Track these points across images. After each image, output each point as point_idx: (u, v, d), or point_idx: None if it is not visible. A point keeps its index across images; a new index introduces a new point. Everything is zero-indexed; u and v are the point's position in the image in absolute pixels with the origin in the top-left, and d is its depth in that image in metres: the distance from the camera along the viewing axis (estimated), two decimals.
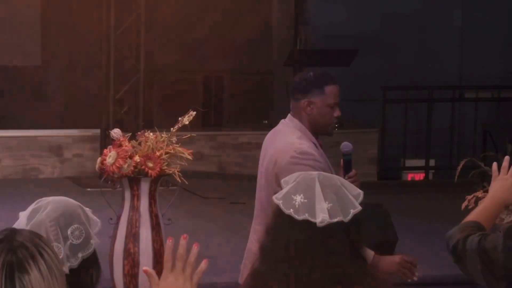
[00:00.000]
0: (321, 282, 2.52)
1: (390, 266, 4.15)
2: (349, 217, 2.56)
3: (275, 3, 11.10)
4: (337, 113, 4.27)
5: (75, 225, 2.54)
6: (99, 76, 9.95)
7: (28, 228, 2.53)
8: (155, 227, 5.47)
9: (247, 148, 10.31)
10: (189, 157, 5.44)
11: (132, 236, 5.45)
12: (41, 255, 2.00)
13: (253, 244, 4.31)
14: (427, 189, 9.69)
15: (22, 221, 2.56)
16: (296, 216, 2.53)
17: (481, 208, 3.27)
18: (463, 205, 5.62)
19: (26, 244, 2.00)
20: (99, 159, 5.52)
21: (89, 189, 8.96)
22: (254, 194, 9.65)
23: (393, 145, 10.59)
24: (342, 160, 4.35)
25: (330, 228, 2.53)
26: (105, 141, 9.36)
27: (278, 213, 2.60)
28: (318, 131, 4.30)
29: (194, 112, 5.53)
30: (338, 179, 2.63)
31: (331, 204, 2.56)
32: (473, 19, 11.43)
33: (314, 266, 2.52)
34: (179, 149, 5.46)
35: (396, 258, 4.20)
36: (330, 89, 4.22)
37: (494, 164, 3.33)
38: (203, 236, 7.29)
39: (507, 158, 3.34)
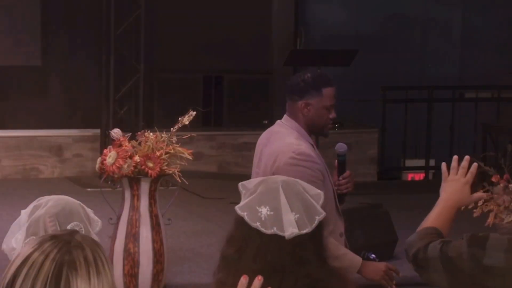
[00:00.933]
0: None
1: (375, 274, 4.18)
2: (315, 225, 2.52)
3: (275, 3, 11.09)
4: (332, 115, 4.29)
5: (75, 223, 2.54)
6: (99, 76, 9.94)
7: (27, 223, 2.53)
8: (155, 227, 5.48)
9: (247, 148, 10.31)
10: (189, 157, 5.45)
11: (132, 236, 5.45)
12: (95, 260, 1.98)
13: None
14: (427, 189, 9.67)
15: (23, 218, 2.57)
16: (264, 230, 2.49)
17: (437, 213, 3.20)
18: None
19: (83, 245, 1.99)
20: (99, 159, 5.52)
21: (89, 189, 8.96)
22: None
23: (393, 145, 10.59)
24: (336, 161, 4.36)
25: (299, 238, 2.51)
26: (105, 141, 9.36)
27: (242, 223, 2.55)
28: (314, 132, 4.32)
29: (194, 112, 5.54)
30: (299, 183, 2.59)
31: (297, 215, 2.50)
32: (473, 19, 11.43)
33: (285, 277, 2.50)
34: (179, 149, 5.47)
35: (381, 266, 4.21)
36: (327, 91, 4.24)
37: (443, 165, 3.26)
38: (203, 236, 7.29)
39: (455, 157, 3.28)
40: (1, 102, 10.21)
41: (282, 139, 4.25)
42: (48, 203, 2.57)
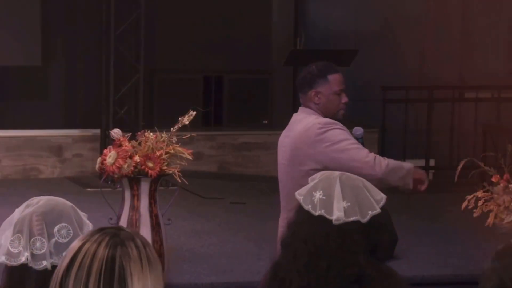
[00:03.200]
0: (339, 280, 2.54)
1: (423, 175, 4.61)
2: (367, 219, 2.58)
3: (275, 3, 11.09)
4: (344, 99, 4.52)
5: (63, 224, 2.53)
6: (99, 76, 9.94)
7: (14, 220, 2.54)
8: (155, 227, 5.48)
9: (247, 148, 10.31)
10: (189, 157, 5.45)
11: None
12: (146, 249, 2.05)
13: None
14: (427, 189, 9.67)
15: (15, 215, 2.57)
16: (313, 212, 2.57)
17: None
18: (463, 205, 5.63)
19: (133, 236, 2.07)
20: (99, 159, 5.52)
21: (89, 189, 8.96)
22: (254, 194, 9.71)
23: (393, 145, 10.58)
24: None
25: (347, 227, 2.56)
26: (105, 141, 9.36)
27: (299, 208, 2.66)
28: (328, 118, 4.48)
29: (194, 112, 5.54)
30: (362, 181, 2.65)
31: (349, 204, 2.59)
32: (473, 19, 11.42)
33: (332, 263, 2.54)
34: (179, 149, 5.47)
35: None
36: (334, 77, 4.52)
37: None
38: (203, 236, 7.29)
39: None
40: (1, 102, 10.21)
41: (303, 121, 4.49)
42: (39, 202, 2.57)
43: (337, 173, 2.69)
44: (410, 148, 10.69)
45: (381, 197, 2.66)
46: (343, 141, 4.26)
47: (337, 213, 2.57)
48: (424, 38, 11.24)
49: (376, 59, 10.94)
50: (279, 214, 8.14)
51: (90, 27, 10.22)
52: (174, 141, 5.49)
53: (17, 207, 2.61)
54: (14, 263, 2.48)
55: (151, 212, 5.48)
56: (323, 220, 2.57)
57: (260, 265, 6.18)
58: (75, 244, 2.05)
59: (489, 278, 2.88)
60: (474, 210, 5.75)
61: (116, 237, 2.03)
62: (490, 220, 5.79)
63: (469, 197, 5.79)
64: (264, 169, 10.14)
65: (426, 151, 10.52)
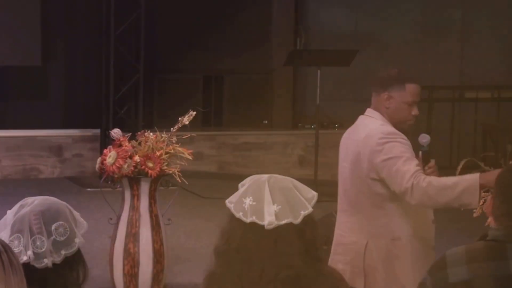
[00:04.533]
0: (273, 284, 2.52)
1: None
2: (299, 219, 2.56)
3: (275, 3, 11.09)
4: (415, 111, 4.38)
5: (60, 222, 2.55)
6: (99, 76, 9.95)
7: (12, 221, 2.55)
8: (155, 227, 5.48)
9: (247, 148, 10.31)
10: (189, 157, 5.45)
11: (132, 236, 5.45)
12: (6, 251, 2.03)
13: (342, 237, 4.38)
14: None
15: (8, 217, 2.58)
16: (245, 219, 2.55)
17: None
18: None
19: None
20: (99, 159, 5.52)
21: (89, 189, 8.96)
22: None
23: None
24: (420, 152, 4.38)
25: (280, 230, 2.54)
26: (105, 141, 9.36)
27: (231, 216, 2.63)
28: (394, 126, 4.36)
29: (194, 112, 5.54)
30: (291, 182, 2.64)
31: (279, 207, 2.56)
32: (473, 19, 11.42)
33: (266, 267, 2.53)
34: (179, 149, 5.47)
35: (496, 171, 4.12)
36: (411, 87, 4.35)
37: None
38: (203, 236, 7.29)
39: None
40: (1, 102, 10.21)
41: (368, 126, 4.35)
42: (34, 202, 2.59)
43: (265, 176, 2.66)
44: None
45: (313, 195, 2.64)
46: (397, 158, 4.10)
47: (268, 218, 2.55)
48: (424, 38, 11.25)
49: (376, 59, 10.94)
50: None
51: (90, 27, 10.22)
52: (174, 141, 5.50)
53: None
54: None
55: (151, 212, 5.48)
56: (255, 226, 2.56)
57: None
58: None
59: None
60: (474, 210, 5.74)
61: None
62: (490, 220, 5.79)
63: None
64: (264, 169, 10.13)
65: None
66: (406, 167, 4.08)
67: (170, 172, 5.42)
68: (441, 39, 11.33)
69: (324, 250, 2.91)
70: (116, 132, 5.55)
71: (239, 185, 2.71)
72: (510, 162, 5.34)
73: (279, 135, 10.44)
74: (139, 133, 5.61)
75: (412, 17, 11.24)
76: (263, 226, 2.55)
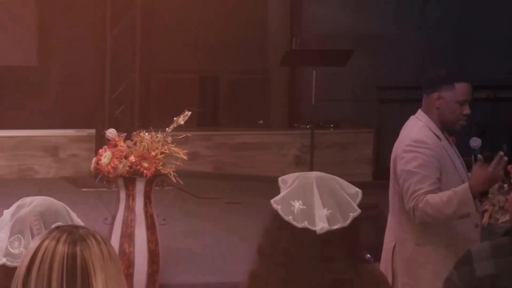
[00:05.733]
0: None
1: (483, 178, 4.15)
2: (348, 221, 2.55)
3: (271, 3, 11.09)
4: (466, 111, 4.39)
5: (59, 223, 2.54)
6: (94, 76, 9.94)
7: (11, 222, 2.54)
8: (151, 227, 5.48)
9: (243, 148, 10.31)
10: (184, 157, 5.45)
11: (128, 236, 5.45)
12: (104, 242, 2.08)
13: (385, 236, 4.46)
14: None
15: (5, 217, 2.58)
16: (296, 224, 2.53)
17: None
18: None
19: (90, 230, 2.08)
20: (94, 159, 5.52)
21: (84, 189, 8.95)
22: (250, 194, 9.65)
23: (389, 145, 10.58)
24: (472, 155, 4.36)
25: (329, 234, 2.54)
26: (101, 141, 9.35)
27: (276, 217, 2.59)
28: (445, 127, 4.39)
29: (190, 112, 5.54)
30: (335, 180, 2.62)
31: (330, 211, 2.55)
32: (470, 19, 11.44)
33: (313, 272, 2.52)
34: (174, 149, 5.47)
35: (484, 172, 4.16)
36: (461, 86, 4.36)
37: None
38: (198, 236, 7.29)
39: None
40: None
41: (406, 130, 4.40)
42: (33, 202, 2.58)
43: (312, 177, 2.61)
44: None
45: (356, 191, 2.64)
46: (413, 174, 4.13)
47: (320, 223, 2.53)
48: (419, 37, 11.26)
49: (372, 59, 10.95)
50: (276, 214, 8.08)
51: (86, 27, 10.22)
52: (169, 141, 5.49)
53: None
54: (17, 264, 2.48)
55: (146, 212, 5.48)
56: (305, 231, 2.55)
57: None
58: (34, 243, 2.05)
59: (446, 286, 2.89)
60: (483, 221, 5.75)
61: (74, 233, 2.04)
62: (485, 219, 5.80)
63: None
64: (260, 169, 10.14)
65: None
66: (417, 187, 4.11)
67: (166, 172, 5.42)
68: (437, 38, 11.33)
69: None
70: (111, 132, 5.54)
71: (279, 180, 2.68)
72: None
73: (275, 135, 10.44)
74: (134, 133, 5.61)
75: (408, 17, 11.25)
76: (313, 231, 2.53)
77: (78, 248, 2.01)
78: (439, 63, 11.25)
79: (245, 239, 7.14)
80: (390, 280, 4.25)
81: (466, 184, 4.13)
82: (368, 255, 6.00)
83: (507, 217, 5.69)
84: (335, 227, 2.53)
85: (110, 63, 9.62)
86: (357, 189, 2.64)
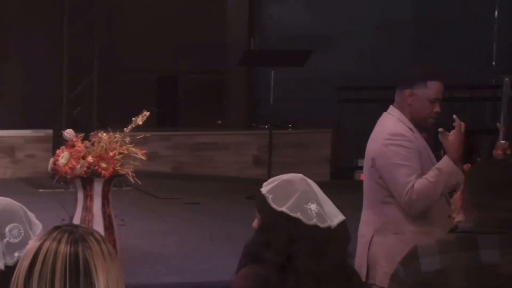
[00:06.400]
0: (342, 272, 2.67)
1: (454, 146, 4.30)
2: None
3: (230, 3, 11.10)
4: (437, 108, 4.45)
5: (14, 224, 2.52)
6: (52, 76, 9.87)
7: None
8: (108, 228, 5.46)
9: (202, 148, 10.30)
10: (143, 157, 5.44)
11: None
12: (104, 241, 2.09)
13: (359, 230, 4.57)
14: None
15: None
16: (321, 224, 2.62)
17: None
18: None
19: (90, 230, 2.10)
20: (51, 160, 5.49)
21: (41, 190, 8.89)
22: (209, 194, 9.63)
23: (346, 145, 10.65)
24: (442, 150, 4.46)
25: (337, 228, 2.69)
26: (58, 141, 9.29)
27: (295, 224, 2.68)
28: (416, 123, 4.47)
29: (148, 113, 5.53)
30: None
31: (331, 203, 2.73)
32: (428, 19, 11.54)
33: (334, 269, 2.69)
34: (133, 149, 5.46)
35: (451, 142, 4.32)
36: (433, 85, 4.42)
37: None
38: (157, 237, 7.27)
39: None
40: None
41: (380, 126, 4.49)
42: None
43: (302, 177, 2.74)
44: (363, 148, 10.76)
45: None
46: (399, 166, 4.25)
47: (338, 216, 2.68)
48: (378, 38, 11.33)
49: (330, 59, 11.00)
50: (233, 214, 8.14)
51: (44, 26, 10.15)
52: (127, 142, 5.48)
53: None
54: None
55: (104, 212, 5.46)
56: (325, 230, 2.66)
57: (215, 264, 6.19)
58: (33, 244, 2.05)
59: (392, 283, 2.95)
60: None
61: (74, 233, 2.05)
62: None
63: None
64: (219, 169, 10.15)
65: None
66: (407, 179, 4.24)
67: (124, 172, 5.40)
68: (395, 38, 11.42)
69: None
70: (69, 133, 5.51)
71: (264, 190, 2.71)
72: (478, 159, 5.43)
73: (234, 135, 10.45)
74: (92, 133, 5.59)
75: (366, 17, 11.32)
76: (329, 228, 2.65)
77: (80, 249, 2.02)
78: (397, 63, 11.34)
79: (205, 239, 7.14)
80: (364, 272, 4.33)
81: (445, 157, 4.29)
82: None
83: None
84: (343, 218, 2.67)
85: (67, 63, 9.57)
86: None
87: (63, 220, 5.54)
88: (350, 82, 10.82)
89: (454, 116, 4.32)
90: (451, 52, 11.40)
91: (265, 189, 2.72)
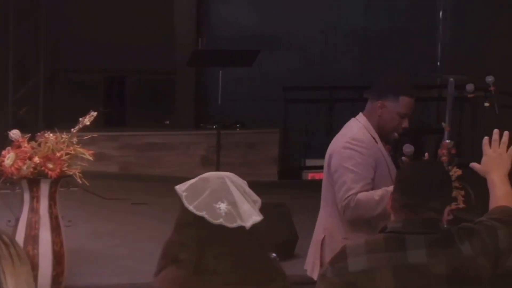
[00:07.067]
0: (257, 276, 2.57)
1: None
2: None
3: (177, 3, 11.08)
4: (405, 124, 4.50)
5: None
6: None
7: None
8: (55, 229, 5.42)
9: (149, 148, 10.27)
10: (90, 158, 5.41)
11: (32, 238, 5.38)
12: (13, 244, 2.05)
13: (318, 234, 4.57)
14: None
15: None
16: (229, 225, 2.54)
17: (504, 192, 3.24)
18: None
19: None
20: None
21: None
22: (156, 194, 9.64)
23: (294, 145, 10.71)
24: (400, 161, 4.45)
25: (254, 227, 2.59)
26: (4, 142, 9.19)
27: (201, 223, 2.59)
28: (382, 134, 4.50)
29: (95, 113, 5.50)
30: (234, 176, 2.67)
31: (249, 205, 2.60)
32: (372, 20, 11.63)
33: (248, 269, 2.57)
34: (80, 150, 5.42)
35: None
36: (405, 100, 4.46)
37: (485, 139, 3.38)
38: (105, 237, 7.24)
39: (496, 131, 3.39)
40: None
41: (345, 129, 4.52)
42: None
43: (222, 175, 2.65)
44: (311, 148, 10.83)
45: (244, 182, 2.70)
46: (349, 171, 4.27)
47: (252, 218, 2.57)
48: (326, 39, 11.40)
49: (278, 60, 11.04)
50: None
51: None
52: (75, 142, 5.45)
53: None
54: None
55: (51, 213, 5.42)
56: (237, 230, 2.57)
57: None
58: None
59: (321, 283, 2.98)
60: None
61: None
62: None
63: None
64: (167, 169, 10.13)
65: (326, 151, 10.67)
66: (351, 185, 4.29)
67: (71, 173, 5.37)
68: (342, 40, 11.49)
69: None
70: (15, 133, 5.46)
71: (178, 188, 2.66)
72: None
73: (182, 136, 10.43)
74: (39, 134, 5.54)
75: (314, 18, 11.37)
76: (243, 228, 2.55)
77: None
78: (343, 64, 11.43)
79: (152, 239, 7.13)
80: (317, 272, 4.35)
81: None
82: (274, 254, 6.05)
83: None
84: (259, 218, 2.59)
85: (13, 63, 9.47)
86: (256, 197, 2.69)
87: (9, 221, 5.49)
88: (297, 82, 10.87)
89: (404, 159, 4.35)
90: (396, 53, 11.51)
91: (181, 187, 2.69)
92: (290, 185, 10.22)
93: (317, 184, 11.57)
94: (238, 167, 10.17)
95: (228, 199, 2.58)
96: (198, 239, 2.59)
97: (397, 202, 3.05)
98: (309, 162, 10.83)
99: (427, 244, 2.95)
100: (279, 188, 9.73)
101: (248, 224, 2.56)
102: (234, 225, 2.55)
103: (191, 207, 2.59)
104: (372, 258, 2.93)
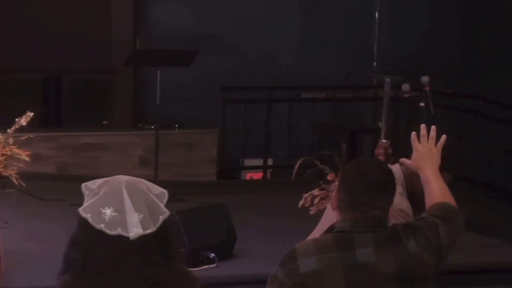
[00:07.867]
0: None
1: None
2: (158, 224, 2.56)
3: (114, 2, 11.02)
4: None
5: None
6: None
7: None
8: None
9: (87, 149, 10.20)
10: (27, 159, 5.37)
11: None
12: None
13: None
14: (265, 188, 9.87)
15: None
16: (109, 231, 2.51)
17: (439, 187, 3.29)
18: (300, 203, 5.77)
19: None
20: None
21: None
22: None
23: (233, 145, 10.73)
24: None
25: (144, 239, 2.54)
26: None
27: (86, 225, 2.57)
28: None
29: (32, 113, 5.47)
30: (142, 183, 2.61)
31: (142, 215, 2.54)
32: (310, 20, 11.71)
33: (130, 278, 2.52)
34: (16, 150, 5.38)
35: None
36: None
37: (414, 134, 3.41)
38: (42, 238, 7.18)
39: (423, 126, 3.43)
40: None
41: None
42: None
43: (121, 181, 2.60)
44: (249, 148, 10.87)
45: (161, 191, 2.65)
46: None
47: (134, 229, 2.51)
48: (263, 39, 11.44)
49: (216, 60, 11.06)
50: None
51: None
52: (11, 143, 5.40)
53: None
54: None
55: None
56: (119, 238, 2.53)
57: None
58: None
59: (272, 285, 3.00)
60: (311, 208, 5.91)
61: None
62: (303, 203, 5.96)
63: (306, 195, 5.96)
64: (105, 170, 10.06)
65: (265, 151, 10.72)
66: None
67: (7, 174, 5.32)
68: (280, 40, 11.55)
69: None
70: None
71: (82, 186, 2.63)
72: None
73: (120, 136, 10.38)
74: None
75: (252, 18, 11.40)
76: (127, 238, 2.51)
77: None
78: (281, 63, 11.49)
79: None
80: None
81: None
82: (213, 254, 6.08)
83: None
84: (148, 231, 2.53)
85: None
86: (162, 189, 2.64)
87: (5, 223, 5.42)
88: (235, 82, 10.89)
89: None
90: (332, 52, 11.60)
91: (87, 185, 2.67)
92: (228, 185, 10.23)
93: (256, 184, 11.62)
94: (177, 167, 10.16)
95: (116, 206, 2.54)
96: (86, 238, 2.57)
97: (342, 202, 3.07)
98: (248, 162, 10.86)
99: (375, 243, 2.98)
100: (218, 188, 9.74)
101: (130, 234, 2.52)
102: (114, 232, 2.52)
103: (79, 209, 2.58)
104: (322, 259, 2.95)
